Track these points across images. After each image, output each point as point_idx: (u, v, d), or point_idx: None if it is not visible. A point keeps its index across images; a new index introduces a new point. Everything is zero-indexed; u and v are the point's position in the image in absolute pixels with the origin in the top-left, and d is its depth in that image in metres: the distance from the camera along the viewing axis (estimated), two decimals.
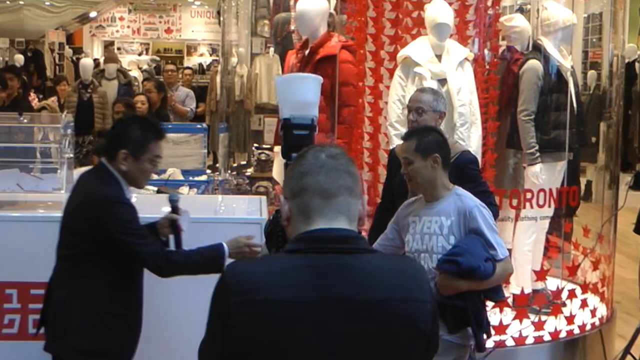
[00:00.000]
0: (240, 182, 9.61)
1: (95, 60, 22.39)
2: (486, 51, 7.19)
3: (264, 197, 6.39)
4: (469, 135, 6.57)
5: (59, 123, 5.85)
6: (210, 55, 32.31)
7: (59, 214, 5.65)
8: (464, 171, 5.29)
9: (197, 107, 13.61)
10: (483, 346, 4.71)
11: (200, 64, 29.64)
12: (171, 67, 13.88)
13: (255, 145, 11.36)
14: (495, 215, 5.49)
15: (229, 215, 5.99)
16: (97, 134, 11.54)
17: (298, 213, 2.53)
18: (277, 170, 7.86)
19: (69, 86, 14.72)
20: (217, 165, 10.86)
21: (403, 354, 2.47)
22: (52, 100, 14.13)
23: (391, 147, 6.25)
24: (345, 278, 2.43)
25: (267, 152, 10.62)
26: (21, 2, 27.20)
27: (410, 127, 5.49)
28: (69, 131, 5.88)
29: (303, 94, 4.13)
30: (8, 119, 6.16)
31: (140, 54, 31.85)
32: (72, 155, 5.91)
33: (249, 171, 10.62)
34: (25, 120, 6.03)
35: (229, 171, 9.89)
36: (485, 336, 4.71)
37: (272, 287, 2.41)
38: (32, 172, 5.76)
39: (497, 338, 6.35)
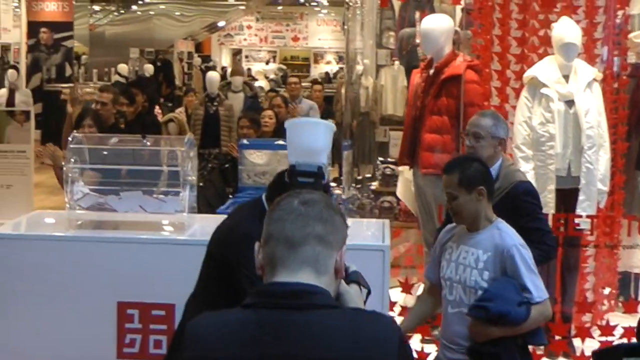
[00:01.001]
0: (365, 203, 9.51)
1: (223, 68, 22.63)
2: (615, 68, 6.99)
3: (387, 221, 6.26)
4: (596, 158, 6.41)
5: (182, 145, 5.87)
6: (337, 63, 32.47)
7: (181, 236, 5.75)
8: (518, 203, 5.09)
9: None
10: None
11: (327, 73, 29.79)
12: (294, 79, 13.87)
13: (380, 159, 11.28)
14: (549, 257, 5.26)
15: (349, 241, 5.83)
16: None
17: (266, 263, 2.43)
18: (402, 190, 7.79)
19: (196, 97, 14.88)
20: (341, 177, 10.78)
21: None
22: (180, 112, 14.29)
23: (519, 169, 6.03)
24: (289, 335, 2.31)
25: (392, 166, 10.52)
26: (151, 12, 27.84)
27: (467, 152, 5.33)
28: (192, 154, 5.90)
29: (311, 140, 4.04)
30: (131, 142, 6.22)
31: (267, 62, 32.22)
32: (194, 177, 5.94)
33: (374, 184, 10.52)
34: (148, 143, 6.08)
35: (353, 184, 9.81)
36: None
37: (215, 343, 2.36)
38: (154, 194, 5.80)
39: None
